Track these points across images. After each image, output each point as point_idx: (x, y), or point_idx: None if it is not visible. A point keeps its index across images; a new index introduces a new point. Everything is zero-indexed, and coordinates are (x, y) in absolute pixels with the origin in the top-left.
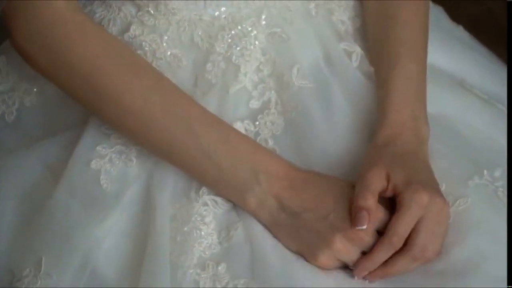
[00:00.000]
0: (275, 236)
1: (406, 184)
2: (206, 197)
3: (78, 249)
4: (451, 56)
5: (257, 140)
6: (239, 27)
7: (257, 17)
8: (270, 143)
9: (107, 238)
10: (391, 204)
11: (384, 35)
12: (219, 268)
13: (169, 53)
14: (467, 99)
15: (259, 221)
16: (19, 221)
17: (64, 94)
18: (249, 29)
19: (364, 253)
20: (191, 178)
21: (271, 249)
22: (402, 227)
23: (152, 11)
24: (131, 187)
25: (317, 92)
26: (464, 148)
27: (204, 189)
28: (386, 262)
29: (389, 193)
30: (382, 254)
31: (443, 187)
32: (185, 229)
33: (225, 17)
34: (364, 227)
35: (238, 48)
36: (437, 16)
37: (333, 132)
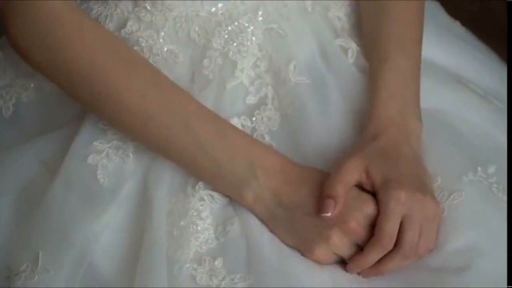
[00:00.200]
0: (271, 231)
1: (383, 182)
2: (203, 192)
3: (74, 244)
4: (447, 51)
5: (254, 136)
6: (236, 23)
7: (254, 13)
8: (267, 138)
9: (103, 233)
10: None
11: (377, 31)
12: (216, 263)
13: (165, 49)
14: (463, 94)
15: (256, 215)
16: (16, 217)
17: (61, 90)
18: (246, 25)
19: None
20: (188, 173)
21: (268, 243)
22: (387, 226)
23: (148, 7)
24: (128, 182)
25: (314, 88)
26: (459, 143)
27: (200, 184)
28: (379, 261)
29: (368, 188)
30: (374, 255)
31: (438, 181)
32: (182, 223)
33: (222, 13)
34: (329, 214)
35: (235, 44)
36: (434, 11)
37: (329, 127)
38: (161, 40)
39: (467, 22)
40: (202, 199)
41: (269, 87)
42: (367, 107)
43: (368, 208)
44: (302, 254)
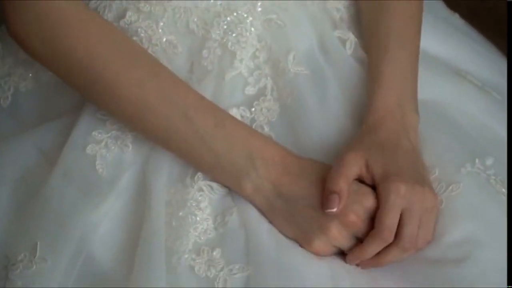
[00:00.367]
0: (270, 222)
1: (383, 175)
2: (202, 182)
3: (73, 234)
4: (446, 43)
5: (253, 127)
6: (235, 14)
7: (253, 4)
8: (266, 129)
9: (102, 223)
10: None
11: (376, 24)
12: (214, 253)
13: (164, 39)
14: (461, 86)
15: (255, 206)
16: (14, 206)
17: (59, 80)
18: (245, 15)
19: (359, 239)
20: (187, 164)
21: (266, 234)
22: (387, 219)
23: None
24: (127, 173)
25: (312, 79)
26: (457, 135)
27: (199, 174)
28: (378, 253)
29: (368, 181)
30: (373, 247)
31: (436, 173)
32: (180, 214)
33: (220, 4)
34: (334, 210)
35: (234, 35)
36: (433, 3)
37: (327, 118)
38: (160, 30)
39: (466, 14)
40: (201, 190)
41: (268, 78)
42: (365, 98)
43: (368, 201)
44: (301, 246)
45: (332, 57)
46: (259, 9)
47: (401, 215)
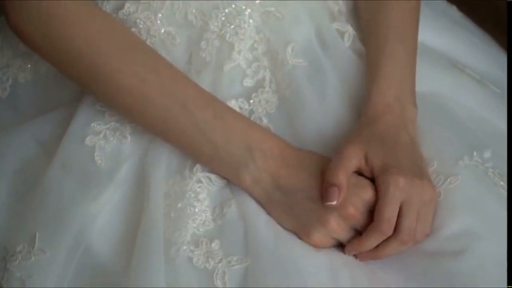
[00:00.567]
0: (269, 214)
1: (382, 168)
2: (200, 174)
3: (71, 226)
4: (444, 35)
5: (252, 119)
6: (233, 6)
7: None
8: (264, 121)
9: (100, 215)
10: None
11: (374, 18)
12: (213, 245)
13: (163, 30)
14: (459, 79)
15: (254, 198)
16: (12, 198)
17: (58, 71)
18: (243, 7)
19: (358, 231)
20: (186, 155)
21: (265, 226)
22: (387, 212)
23: None
24: (125, 164)
25: (311, 71)
26: (455, 127)
27: (198, 166)
28: (377, 246)
29: (367, 174)
30: (373, 240)
31: (434, 166)
32: (179, 205)
33: None
34: (334, 202)
35: (232, 27)
36: None
37: (326, 110)
38: (158, 22)
39: (463, 7)
40: (199, 181)
41: (267, 70)
42: (363, 91)
43: (367, 194)
44: (300, 238)
45: (331, 49)
46: (258, 1)
47: (399, 208)
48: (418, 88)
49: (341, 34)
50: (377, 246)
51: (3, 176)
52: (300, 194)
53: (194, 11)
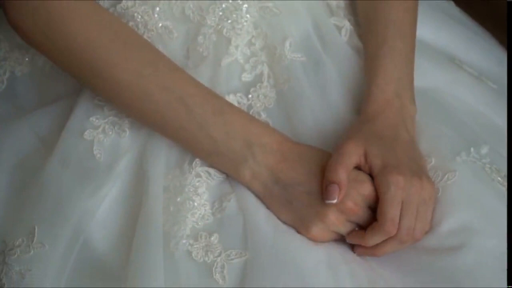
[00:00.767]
0: (268, 208)
1: (381, 166)
2: (199, 168)
3: (70, 219)
4: (441, 31)
5: (250, 113)
6: (230, 1)
7: None
8: (263, 116)
9: (99, 208)
10: None
11: (373, 15)
12: (212, 238)
13: (160, 24)
14: (457, 74)
15: (253, 192)
16: (11, 191)
17: (56, 66)
18: (240, 2)
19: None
20: (185, 150)
21: (264, 220)
22: (389, 212)
23: None
24: (124, 158)
25: (309, 65)
26: (453, 123)
27: (197, 160)
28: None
29: (365, 170)
30: (375, 239)
31: (432, 162)
32: (178, 200)
33: None
34: (335, 200)
35: (229, 21)
36: None
37: (325, 104)
38: (156, 16)
39: (461, 3)
40: (198, 176)
41: (265, 65)
42: (361, 85)
43: (365, 189)
44: (299, 232)
45: (329, 44)
46: None
47: None
48: (416, 83)
49: (339, 29)
50: (376, 244)
51: (2, 169)
52: (299, 188)
53: (191, 5)
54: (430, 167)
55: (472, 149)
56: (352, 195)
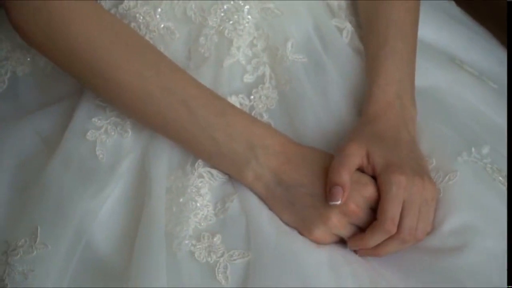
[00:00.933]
0: (270, 209)
1: (384, 166)
2: (202, 169)
3: (73, 220)
4: (442, 31)
5: (252, 115)
6: (232, 2)
7: None
8: (265, 117)
9: (102, 209)
10: None
11: (374, 15)
12: (215, 239)
13: (162, 25)
14: (457, 74)
15: (256, 194)
16: (13, 192)
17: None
18: (242, 3)
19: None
20: (187, 151)
21: (267, 221)
22: (390, 211)
23: None
24: (127, 159)
25: (311, 67)
26: (454, 123)
27: (200, 161)
28: (378, 243)
29: (368, 171)
30: (376, 238)
31: (433, 163)
32: (181, 200)
33: None
34: (339, 202)
35: (230, 22)
36: None
37: (326, 105)
38: (157, 17)
39: (462, 3)
40: (201, 176)
41: (266, 66)
42: (363, 87)
43: (368, 191)
44: (301, 233)
45: (330, 45)
46: None
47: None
48: (417, 83)
49: (340, 30)
50: (378, 244)
51: (4, 170)
52: (301, 189)
53: (193, 6)
54: (432, 168)
55: (473, 149)
56: (354, 197)
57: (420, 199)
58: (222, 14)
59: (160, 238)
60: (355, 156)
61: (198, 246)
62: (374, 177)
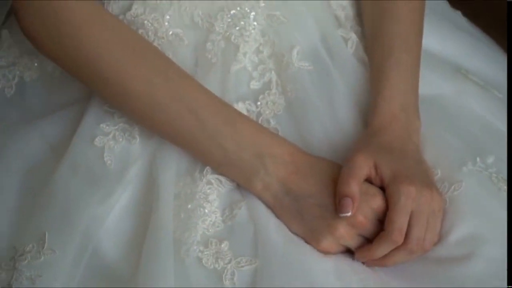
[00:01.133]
0: (278, 218)
1: (392, 177)
2: (210, 176)
3: (78, 227)
4: (447, 41)
5: (259, 121)
6: (238, 8)
7: None
8: (272, 123)
9: (109, 215)
10: None
11: (379, 28)
12: (222, 245)
13: (170, 32)
14: (462, 84)
15: (264, 203)
16: (21, 197)
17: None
18: (248, 10)
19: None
20: (196, 159)
21: (274, 228)
22: (398, 221)
23: None
24: (135, 165)
25: (316, 74)
26: (458, 132)
27: (208, 168)
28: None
29: (376, 183)
30: (383, 248)
31: (438, 174)
32: (189, 206)
33: None
34: (349, 214)
35: (237, 28)
36: (435, 1)
37: (333, 115)
38: (166, 23)
39: (468, 12)
40: (209, 183)
41: (273, 72)
42: (368, 98)
43: (376, 202)
44: (308, 243)
45: (336, 55)
46: (262, 4)
47: (409, 217)
48: (422, 93)
49: (345, 40)
50: (386, 254)
51: (11, 175)
52: (309, 200)
53: (200, 13)
54: (437, 179)
55: (478, 159)
56: (362, 208)
57: (428, 210)
58: (229, 20)
59: (168, 244)
60: (363, 167)
61: (205, 252)
62: (382, 188)
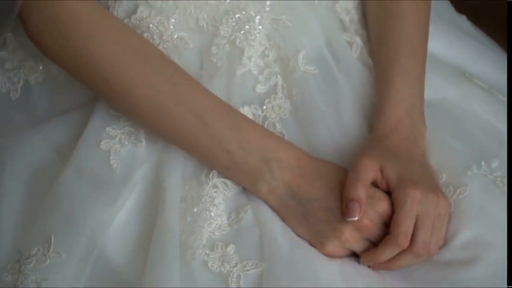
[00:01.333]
0: (284, 222)
1: (398, 181)
2: (216, 179)
3: (83, 230)
4: (451, 45)
5: (265, 125)
6: (244, 12)
7: (261, 3)
8: (278, 127)
9: (115, 219)
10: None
11: (384, 32)
12: (228, 249)
13: (176, 36)
14: (467, 87)
15: (269, 206)
16: (26, 201)
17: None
18: (253, 14)
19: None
20: (202, 163)
21: (280, 232)
22: (403, 225)
23: None
24: (140, 169)
25: (322, 79)
26: (463, 136)
27: (214, 172)
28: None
29: (382, 187)
30: (388, 252)
31: (443, 178)
32: (195, 210)
33: (229, 2)
34: (356, 218)
35: (242, 32)
36: (440, 5)
37: (339, 119)
38: (171, 27)
39: (471, 16)
40: (215, 186)
41: (278, 76)
42: (373, 102)
43: (382, 206)
44: (313, 246)
45: (341, 59)
46: (268, 8)
47: (415, 221)
48: (426, 97)
49: (350, 45)
50: (392, 258)
51: (17, 179)
52: (315, 204)
53: (205, 16)
54: (442, 183)
55: (482, 163)
56: (368, 212)
57: (434, 214)
58: (234, 24)
59: (174, 248)
60: (370, 171)
61: (211, 256)
62: (387, 192)
